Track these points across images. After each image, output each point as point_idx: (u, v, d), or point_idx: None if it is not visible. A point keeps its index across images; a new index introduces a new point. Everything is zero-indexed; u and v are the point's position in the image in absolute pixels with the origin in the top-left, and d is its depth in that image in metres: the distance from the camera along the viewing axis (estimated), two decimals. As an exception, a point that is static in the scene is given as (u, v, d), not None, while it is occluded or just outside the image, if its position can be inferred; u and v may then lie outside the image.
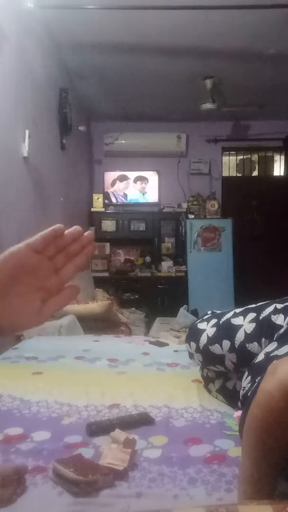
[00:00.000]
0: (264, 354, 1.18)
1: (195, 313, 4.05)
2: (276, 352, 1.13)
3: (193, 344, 1.51)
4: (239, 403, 1.26)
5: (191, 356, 1.59)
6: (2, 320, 0.51)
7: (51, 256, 0.53)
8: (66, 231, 0.53)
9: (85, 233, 0.55)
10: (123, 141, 5.50)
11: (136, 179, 5.69)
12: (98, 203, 5.54)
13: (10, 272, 0.50)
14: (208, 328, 1.46)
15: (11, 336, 2.48)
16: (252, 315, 1.36)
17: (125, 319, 3.78)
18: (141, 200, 5.72)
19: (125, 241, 5.63)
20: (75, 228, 0.54)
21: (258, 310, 1.36)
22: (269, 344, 1.23)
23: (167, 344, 2.33)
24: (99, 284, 4.79)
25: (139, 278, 5.32)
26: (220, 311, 1.54)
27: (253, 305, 1.42)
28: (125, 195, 5.70)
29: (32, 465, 1.09)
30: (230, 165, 5.97)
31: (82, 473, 0.99)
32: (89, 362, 1.98)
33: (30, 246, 0.52)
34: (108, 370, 1.88)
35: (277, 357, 1.08)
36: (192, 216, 5.43)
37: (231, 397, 1.41)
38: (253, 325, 1.33)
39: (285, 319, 1.25)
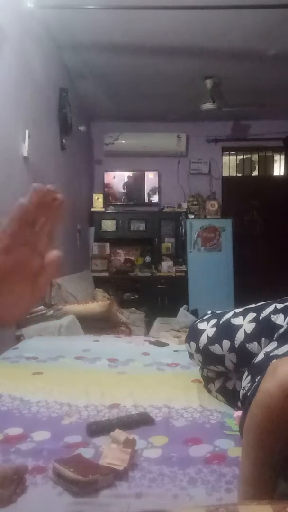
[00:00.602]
0: (264, 354, 1.18)
1: (195, 313, 4.05)
2: (276, 352, 1.13)
3: (193, 344, 1.51)
4: (239, 403, 1.26)
5: (191, 356, 1.59)
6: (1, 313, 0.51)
7: (26, 235, 0.50)
8: (30, 200, 0.50)
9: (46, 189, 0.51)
10: (123, 141, 5.50)
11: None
12: (98, 203, 5.54)
13: None
14: (208, 328, 1.46)
15: (11, 332, 2.47)
16: (252, 315, 1.36)
17: (125, 319, 3.78)
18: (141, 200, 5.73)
19: (125, 241, 5.63)
20: (35, 191, 0.51)
21: (258, 310, 1.36)
22: (269, 344, 1.23)
23: (167, 344, 2.33)
24: (99, 284, 4.79)
25: (139, 278, 5.32)
26: (220, 311, 1.54)
27: (253, 305, 1.42)
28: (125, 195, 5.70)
29: (32, 465, 1.09)
30: (230, 165, 5.97)
31: (82, 473, 0.99)
32: (89, 362, 1.98)
33: (4, 236, 0.50)
34: (108, 370, 1.88)
35: (277, 356, 1.08)
36: (192, 216, 5.43)
37: (231, 397, 1.41)
38: (253, 325, 1.33)
39: (285, 319, 1.25)
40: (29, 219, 0.50)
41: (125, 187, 5.71)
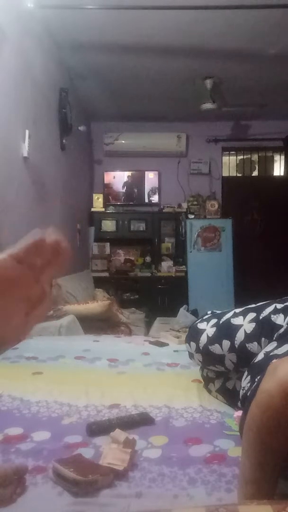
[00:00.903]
0: (264, 353, 1.18)
1: (195, 313, 4.05)
2: (275, 352, 1.13)
3: (193, 344, 1.51)
4: (239, 403, 1.26)
5: (191, 356, 1.59)
6: None
7: (32, 265, 0.51)
8: (47, 240, 0.52)
9: (60, 243, 0.53)
10: (123, 141, 5.50)
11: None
12: (98, 203, 5.54)
13: None
14: (208, 328, 1.46)
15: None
16: (252, 315, 1.36)
17: (125, 319, 3.78)
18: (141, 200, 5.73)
19: (125, 241, 5.63)
20: (55, 239, 0.52)
21: (258, 310, 1.36)
22: (269, 344, 1.23)
23: (167, 344, 2.33)
24: (99, 284, 4.80)
25: (139, 278, 5.32)
26: (220, 311, 1.54)
27: (253, 305, 1.42)
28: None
29: (32, 465, 1.09)
30: (230, 165, 5.97)
31: (82, 473, 0.99)
32: (89, 362, 1.98)
33: (13, 257, 0.49)
34: (108, 370, 1.88)
35: (277, 356, 1.08)
36: (192, 216, 5.43)
37: (231, 397, 1.41)
38: (253, 325, 1.33)
39: (285, 319, 1.25)
40: (39, 251, 0.51)
41: (125, 187, 5.71)
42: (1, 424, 1.32)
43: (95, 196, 5.56)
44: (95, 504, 0.94)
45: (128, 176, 5.71)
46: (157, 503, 0.95)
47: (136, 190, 5.70)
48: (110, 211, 5.58)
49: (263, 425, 0.84)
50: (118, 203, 5.69)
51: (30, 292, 0.51)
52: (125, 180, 5.71)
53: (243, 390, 1.18)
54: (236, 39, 3.55)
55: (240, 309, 1.44)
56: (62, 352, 2.10)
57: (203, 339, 1.45)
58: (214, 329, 1.44)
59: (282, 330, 1.23)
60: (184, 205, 5.55)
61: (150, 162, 5.61)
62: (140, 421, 1.31)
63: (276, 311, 1.31)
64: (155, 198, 5.71)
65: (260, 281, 5.05)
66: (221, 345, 1.38)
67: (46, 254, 0.51)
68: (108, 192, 5.67)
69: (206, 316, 1.55)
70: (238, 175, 5.99)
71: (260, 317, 1.33)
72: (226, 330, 1.39)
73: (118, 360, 1.99)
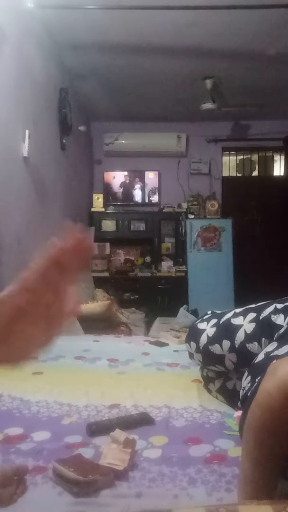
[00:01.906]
0: (264, 354, 1.18)
1: (195, 313, 4.05)
2: (276, 352, 1.13)
3: (193, 344, 1.51)
4: (239, 403, 1.26)
5: (191, 356, 1.59)
6: (9, 355, 0.51)
7: (51, 277, 0.51)
8: (63, 247, 0.51)
9: (81, 237, 0.51)
10: (123, 141, 5.50)
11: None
12: (98, 203, 5.54)
13: (9, 314, 0.50)
14: (208, 328, 1.46)
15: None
16: (252, 315, 1.36)
17: (125, 319, 3.78)
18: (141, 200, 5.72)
19: (125, 241, 5.62)
20: (70, 240, 0.51)
21: (258, 310, 1.36)
22: (269, 344, 1.23)
23: (167, 344, 2.33)
24: (99, 284, 4.79)
25: (139, 278, 5.32)
26: (220, 311, 1.54)
27: (253, 305, 1.42)
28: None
29: (32, 465, 1.09)
30: (230, 165, 5.97)
31: (82, 473, 0.99)
32: (89, 362, 1.98)
33: (25, 289, 0.50)
34: (108, 370, 1.88)
35: (277, 357, 1.08)
36: (192, 216, 5.43)
37: (231, 397, 1.41)
38: (253, 325, 1.33)
39: (285, 319, 1.25)
40: (59, 261, 0.50)
41: (122, 187, 5.71)
42: (1, 424, 1.33)
43: (95, 196, 5.56)
44: (95, 504, 0.94)
45: (124, 176, 5.70)
46: (157, 503, 0.95)
47: (133, 190, 5.70)
48: (110, 211, 5.58)
49: (263, 425, 0.84)
50: (118, 203, 5.69)
51: (49, 307, 0.51)
52: (122, 181, 5.70)
53: (243, 390, 1.18)
54: (236, 39, 3.55)
55: (240, 309, 1.44)
56: (62, 352, 2.10)
57: (203, 339, 1.45)
58: (214, 329, 1.44)
59: (282, 330, 1.23)
60: (184, 205, 5.55)
61: (150, 162, 5.61)
62: (140, 421, 1.32)
63: (276, 311, 1.31)
64: (155, 198, 5.71)
65: (260, 281, 5.05)
66: (221, 345, 1.38)
67: (67, 261, 0.51)
68: (108, 192, 5.67)
69: (206, 316, 1.55)
70: (238, 175, 5.99)
71: (260, 317, 1.33)
72: (226, 330, 1.39)
73: (118, 360, 1.99)
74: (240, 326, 1.35)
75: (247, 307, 1.44)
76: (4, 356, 0.50)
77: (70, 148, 4.23)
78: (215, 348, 1.40)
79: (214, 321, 1.47)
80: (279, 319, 1.27)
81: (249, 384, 1.14)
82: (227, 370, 1.42)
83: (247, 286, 4.91)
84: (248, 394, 1.10)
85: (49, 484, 1.01)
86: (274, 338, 1.23)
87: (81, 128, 4.67)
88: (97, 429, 1.27)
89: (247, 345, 1.31)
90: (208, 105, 4.45)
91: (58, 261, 0.50)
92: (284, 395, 0.81)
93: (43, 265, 0.50)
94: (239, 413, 1.18)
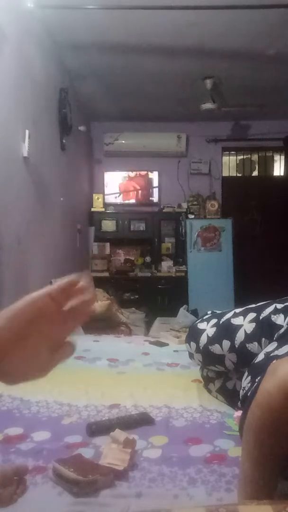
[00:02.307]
0: (264, 354, 1.18)
1: (195, 313, 4.04)
2: (276, 352, 1.13)
3: (193, 344, 1.51)
4: (239, 403, 1.26)
5: (191, 356, 1.59)
6: (14, 367, 0.52)
7: (62, 305, 0.54)
8: (79, 283, 0.55)
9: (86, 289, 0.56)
10: (123, 141, 5.50)
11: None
12: (98, 203, 5.54)
13: (30, 316, 0.52)
14: (208, 328, 1.46)
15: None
16: (252, 315, 1.36)
17: (125, 319, 3.78)
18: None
19: (125, 241, 5.63)
20: (83, 283, 0.55)
21: (258, 310, 1.36)
22: (269, 344, 1.23)
23: (167, 344, 2.33)
24: (99, 284, 4.77)
25: (139, 278, 5.32)
26: (220, 311, 1.54)
27: (253, 305, 1.42)
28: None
29: (32, 465, 1.09)
30: (230, 165, 5.97)
31: (82, 473, 0.99)
32: (89, 362, 1.98)
33: (50, 295, 0.53)
34: (108, 370, 1.88)
35: (277, 357, 1.08)
36: (192, 216, 5.43)
37: (231, 397, 1.41)
38: (253, 325, 1.33)
39: (285, 319, 1.25)
40: (70, 294, 0.54)
41: (122, 187, 5.70)
42: (1, 424, 1.33)
43: (95, 196, 5.56)
44: (95, 504, 0.94)
45: (124, 176, 5.70)
46: (157, 503, 0.95)
47: (133, 190, 5.69)
48: (110, 211, 5.58)
49: (263, 425, 0.84)
50: (118, 203, 5.69)
51: (56, 330, 0.53)
52: (122, 181, 5.70)
53: (243, 390, 1.18)
54: (236, 39, 3.55)
55: (240, 309, 1.44)
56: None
57: (203, 339, 1.45)
58: (214, 329, 1.44)
59: (282, 330, 1.23)
60: (184, 205, 5.55)
61: (150, 162, 5.61)
62: (140, 421, 1.32)
63: (276, 311, 1.31)
64: (155, 198, 5.71)
65: (260, 281, 5.05)
66: (221, 345, 1.38)
67: (76, 297, 0.54)
68: (108, 192, 5.67)
69: (206, 316, 1.55)
70: (238, 175, 5.99)
71: (260, 317, 1.33)
72: (226, 330, 1.39)
73: (118, 360, 1.99)
74: (240, 326, 1.35)
75: (247, 307, 1.44)
76: (7, 366, 0.51)
77: (70, 148, 4.23)
78: (215, 348, 1.40)
79: (214, 321, 1.47)
80: (279, 319, 1.27)
81: (249, 384, 1.14)
82: (227, 370, 1.42)
83: (247, 286, 4.91)
84: (248, 394, 1.10)
85: (49, 484, 1.01)
86: (274, 338, 1.23)
87: (81, 128, 4.67)
88: (97, 429, 1.27)
89: (247, 345, 1.31)
90: (208, 105, 4.45)
91: (70, 291, 0.54)
92: (284, 395, 0.81)
93: (64, 287, 0.54)
94: (239, 413, 1.18)
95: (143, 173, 5.68)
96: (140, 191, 5.71)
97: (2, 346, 0.50)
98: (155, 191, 5.70)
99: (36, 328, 0.52)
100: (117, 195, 5.68)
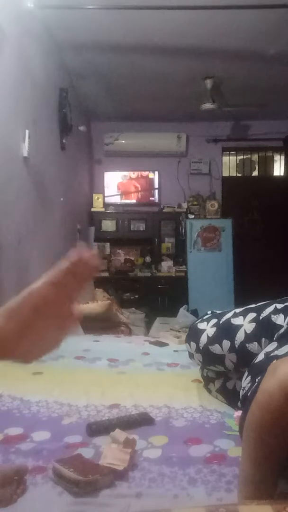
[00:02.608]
0: (264, 354, 1.18)
1: (195, 313, 4.05)
2: (276, 352, 1.13)
3: (193, 344, 1.51)
4: (239, 403, 1.26)
5: (191, 356, 1.59)
6: (27, 350, 0.57)
7: (66, 285, 0.58)
8: (81, 259, 0.58)
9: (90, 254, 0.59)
10: (123, 141, 5.50)
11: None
12: (98, 203, 5.54)
13: (34, 305, 0.56)
14: (208, 328, 1.46)
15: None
16: (252, 315, 1.36)
17: (125, 319, 3.78)
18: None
19: (125, 241, 5.63)
20: (88, 255, 0.58)
21: (258, 310, 1.36)
22: (269, 344, 1.23)
23: (167, 344, 2.33)
24: (99, 284, 4.78)
25: (139, 278, 5.32)
26: (220, 311, 1.54)
27: (253, 305, 1.42)
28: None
29: (32, 465, 1.09)
30: (230, 165, 5.97)
31: (82, 473, 0.99)
32: (89, 362, 1.98)
33: (51, 283, 0.57)
34: (108, 370, 1.88)
35: (277, 357, 1.08)
36: (192, 216, 5.43)
37: (231, 397, 1.41)
38: (253, 325, 1.33)
39: (285, 319, 1.25)
40: (73, 272, 0.58)
41: (122, 187, 5.70)
42: (1, 424, 1.33)
43: (95, 196, 5.56)
44: (95, 504, 0.94)
45: (124, 176, 5.70)
46: (157, 503, 0.95)
47: (133, 190, 5.69)
48: (110, 211, 5.58)
49: (263, 425, 0.84)
50: (118, 203, 5.69)
51: (62, 310, 0.58)
52: (122, 180, 5.69)
53: (243, 390, 1.18)
54: (236, 39, 3.55)
55: (240, 309, 1.44)
56: (62, 352, 2.10)
57: (203, 339, 1.45)
58: (214, 329, 1.44)
59: (282, 330, 1.23)
60: (184, 205, 5.55)
61: (150, 162, 5.61)
62: (140, 421, 1.32)
63: (276, 311, 1.31)
64: (155, 198, 5.71)
65: (260, 281, 5.05)
66: (221, 345, 1.38)
67: (80, 273, 0.58)
68: (108, 192, 5.66)
69: (206, 316, 1.55)
70: (238, 175, 5.99)
71: (260, 317, 1.33)
72: (226, 330, 1.39)
73: (118, 360, 1.99)
74: (240, 326, 1.35)
75: (247, 307, 1.43)
76: (22, 350, 0.56)
77: (70, 148, 4.23)
78: (215, 348, 1.40)
79: (214, 321, 1.47)
80: (279, 319, 1.27)
81: (249, 384, 1.14)
82: (227, 370, 1.42)
83: (247, 286, 4.91)
84: (248, 394, 1.10)
85: (49, 484, 1.01)
86: (274, 338, 1.23)
87: (81, 128, 4.67)
88: (97, 429, 1.27)
89: (247, 345, 1.31)
90: (208, 105, 4.45)
91: (72, 272, 0.58)
92: (284, 395, 0.81)
93: (64, 272, 0.57)
94: (239, 413, 1.18)
95: (144, 174, 5.68)
96: (140, 192, 5.71)
97: (10, 338, 0.54)
98: (155, 191, 5.70)
99: (43, 314, 0.56)
100: (117, 195, 5.68)
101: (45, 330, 0.57)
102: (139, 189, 5.71)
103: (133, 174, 5.68)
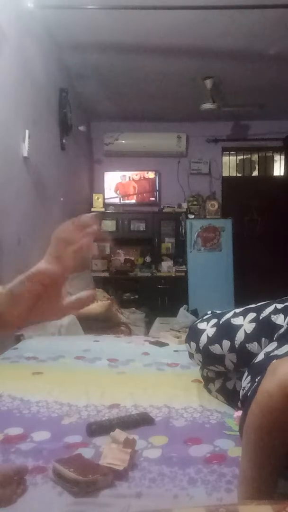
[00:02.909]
0: (264, 354, 1.18)
1: (195, 313, 4.05)
2: (276, 352, 1.13)
3: (193, 344, 1.51)
4: (239, 403, 1.26)
5: (191, 356, 1.59)
6: (32, 321, 0.61)
7: (64, 266, 0.61)
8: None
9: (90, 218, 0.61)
10: (123, 141, 5.50)
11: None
12: (98, 203, 5.54)
13: (36, 292, 0.60)
14: (208, 328, 1.46)
15: (13, 335, 2.48)
16: (252, 315, 1.36)
17: (125, 319, 3.78)
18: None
19: (125, 241, 5.62)
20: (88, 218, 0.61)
21: (258, 310, 1.36)
22: (269, 344, 1.23)
23: (167, 344, 2.33)
24: (99, 284, 4.79)
25: (139, 278, 5.32)
26: (220, 311, 1.54)
27: (253, 305, 1.42)
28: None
29: (32, 465, 1.09)
30: (230, 165, 5.97)
31: (82, 473, 0.99)
32: (89, 362, 1.98)
33: (47, 270, 0.61)
34: (108, 370, 1.88)
35: (277, 357, 1.08)
36: (192, 216, 5.43)
37: (231, 397, 1.41)
38: (253, 325, 1.33)
39: (285, 319, 1.25)
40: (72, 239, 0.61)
41: (122, 187, 5.70)
42: (1, 424, 1.33)
43: (95, 196, 5.56)
44: (95, 504, 0.94)
45: (124, 176, 5.70)
46: (157, 503, 0.95)
47: (133, 190, 5.69)
48: (110, 211, 5.58)
49: (263, 425, 0.84)
50: (118, 203, 5.69)
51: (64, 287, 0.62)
52: (122, 180, 5.69)
53: (243, 390, 1.18)
54: (236, 39, 3.55)
55: (240, 309, 1.44)
56: (62, 352, 2.10)
57: (203, 339, 1.45)
58: (214, 329, 1.44)
59: (282, 330, 1.23)
60: (184, 205, 5.55)
61: (150, 162, 5.61)
62: (140, 421, 1.31)
63: (276, 311, 1.31)
64: (155, 198, 5.71)
65: (260, 281, 5.05)
66: (221, 345, 1.38)
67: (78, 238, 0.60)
68: (108, 192, 5.66)
69: (206, 316, 1.55)
70: (238, 175, 5.99)
71: (260, 317, 1.33)
72: (226, 330, 1.39)
73: (118, 360, 1.99)
74: (240, 326, 1.35)
75: (247, 307, 1.43)
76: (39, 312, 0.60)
77: (70, 148, 4.23)
78: (215, 348, 1.40)
79: (214, 321, 1.47)
80: (279, 319, 1.27)
81: (249, 384, 1.14)
82: (227, 370, 1.42)
83: (247, 286, 4.91)
84: (248, 394, 1.10)
85: (49, 484, 1.01)
86: (274, 338, 1.23)
87: (81, 128, 4.67)
88: (97, 429, 1.27)
89: (247, 345, 1.30)
90: (208, 105, 4.45)
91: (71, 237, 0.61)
92: (284, 395, 0.81)
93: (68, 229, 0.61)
94: (239, 413, 1.18)
95: (146, 176, 5.68)
96: (139, 194, 5.71)
97: (18, 317, 0.59)
98: (155, 191, 5.70)
99: (45, 295, 0.60)
100: (117, 197, 5.68)
101: (48, 305, 0.60)
102: (137, 191, 5.70)
103: (136, 176, 5.67)
